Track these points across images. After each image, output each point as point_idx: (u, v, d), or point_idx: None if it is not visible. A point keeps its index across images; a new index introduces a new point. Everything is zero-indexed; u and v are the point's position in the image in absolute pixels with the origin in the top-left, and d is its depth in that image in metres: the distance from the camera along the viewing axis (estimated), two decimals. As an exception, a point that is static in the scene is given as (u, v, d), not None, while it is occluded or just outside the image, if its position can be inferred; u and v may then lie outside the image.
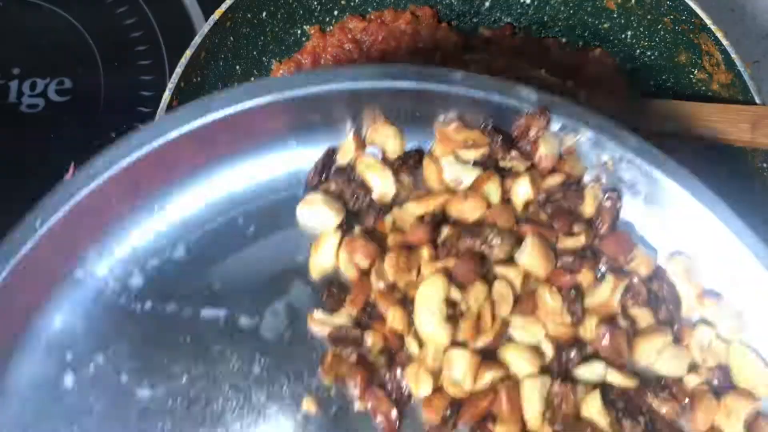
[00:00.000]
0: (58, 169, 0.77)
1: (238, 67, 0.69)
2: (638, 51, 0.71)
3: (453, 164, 0.46)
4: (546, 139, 0.45)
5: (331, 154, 0.47)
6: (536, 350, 0.44)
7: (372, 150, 0.47)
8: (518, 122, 0.45)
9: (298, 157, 0.47)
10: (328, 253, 0.46)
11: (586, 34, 0.73)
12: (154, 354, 0.45)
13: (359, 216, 0.47)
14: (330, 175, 0.47)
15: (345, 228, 0.46)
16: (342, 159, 0.47)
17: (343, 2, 0.72)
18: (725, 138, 0.63)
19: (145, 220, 0.46)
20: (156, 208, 0.46)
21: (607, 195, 0.46)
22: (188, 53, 0.63)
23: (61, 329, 0.45)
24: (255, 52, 0.70)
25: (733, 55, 0.63)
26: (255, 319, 0.46)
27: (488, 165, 0.46)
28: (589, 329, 0.45)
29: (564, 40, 0.74)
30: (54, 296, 0.45)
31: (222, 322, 0.46)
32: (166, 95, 0.61)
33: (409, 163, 0.47)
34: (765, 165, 0.62)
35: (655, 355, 0.44)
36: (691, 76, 0.68)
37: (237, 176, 0.47)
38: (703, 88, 0.67)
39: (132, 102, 0.79)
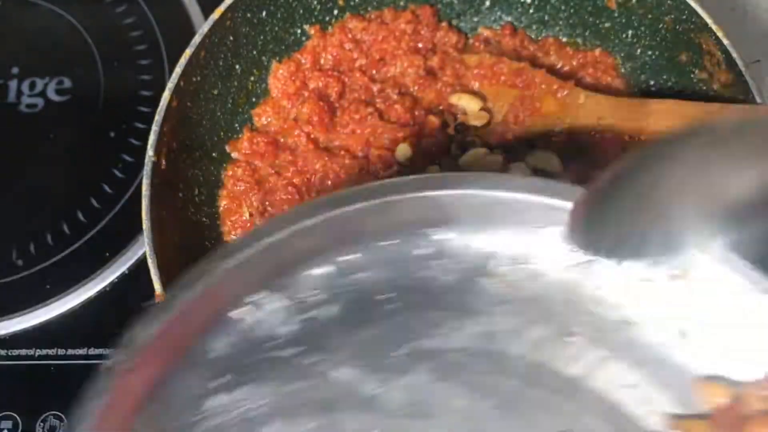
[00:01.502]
0: (58, 169, 0.77)
1: (237, 66, 0.69)
2: (639, 50, 0.71)
3: None
4: None
5: None
6: None
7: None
8: None
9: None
10: None
11: (586, 34, 0.73)
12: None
13: None
14: None
15: None
16: None
17: (342, 2, 0.72)
18: (726, 138, 0.63)
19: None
20: None
21: None
22: (188, 52, 0.63)
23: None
24: (255, 52, 0.70)
25: (734, 55, 0.63)
26: None
27: None
28: None
29: (564, 39, 0.74)
30: None
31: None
32: (166, 95, 0.61)
33: None
34: (766, 165, 0.62)
35: None
36: (692, 76, 0.68)
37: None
38: (704, 87, 0.67)
39: (131, 101, 0.79)
